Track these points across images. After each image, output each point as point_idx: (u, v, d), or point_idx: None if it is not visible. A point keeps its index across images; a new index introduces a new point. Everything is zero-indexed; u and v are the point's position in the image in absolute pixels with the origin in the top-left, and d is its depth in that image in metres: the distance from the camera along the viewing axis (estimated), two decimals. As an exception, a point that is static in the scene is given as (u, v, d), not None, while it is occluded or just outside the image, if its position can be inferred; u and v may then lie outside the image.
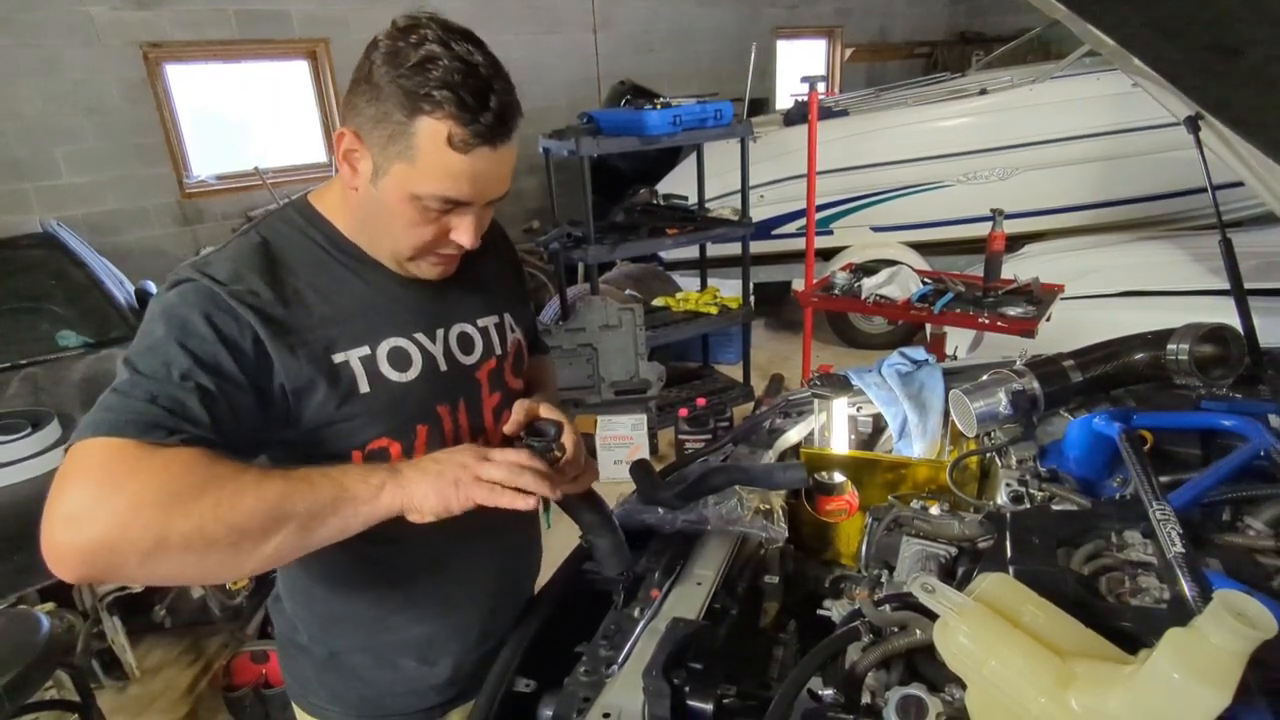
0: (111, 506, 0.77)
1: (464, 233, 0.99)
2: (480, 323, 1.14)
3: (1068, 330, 2.87)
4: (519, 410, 1.06)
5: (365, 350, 1.00)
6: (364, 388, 0.99)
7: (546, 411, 1.08)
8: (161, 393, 0.85)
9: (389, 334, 1.03)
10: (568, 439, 1.05)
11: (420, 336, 1.06)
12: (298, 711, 1.24)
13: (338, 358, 0.98)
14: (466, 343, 1.12)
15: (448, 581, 1.15)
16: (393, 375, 1.02)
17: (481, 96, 0.89)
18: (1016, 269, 3.44)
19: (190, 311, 0.90)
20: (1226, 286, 1.50)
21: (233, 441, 0.91)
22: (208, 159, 5.42)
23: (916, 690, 0.77)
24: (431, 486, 0.89)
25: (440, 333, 1.09)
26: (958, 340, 3.68)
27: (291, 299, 0.96)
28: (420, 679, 1.17)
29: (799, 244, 4.79)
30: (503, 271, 1.24)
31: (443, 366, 1.07)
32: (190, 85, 5.26)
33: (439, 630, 1.17)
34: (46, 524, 0.78)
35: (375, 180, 0.95)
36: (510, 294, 1.23)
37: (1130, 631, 0.76)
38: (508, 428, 1.06)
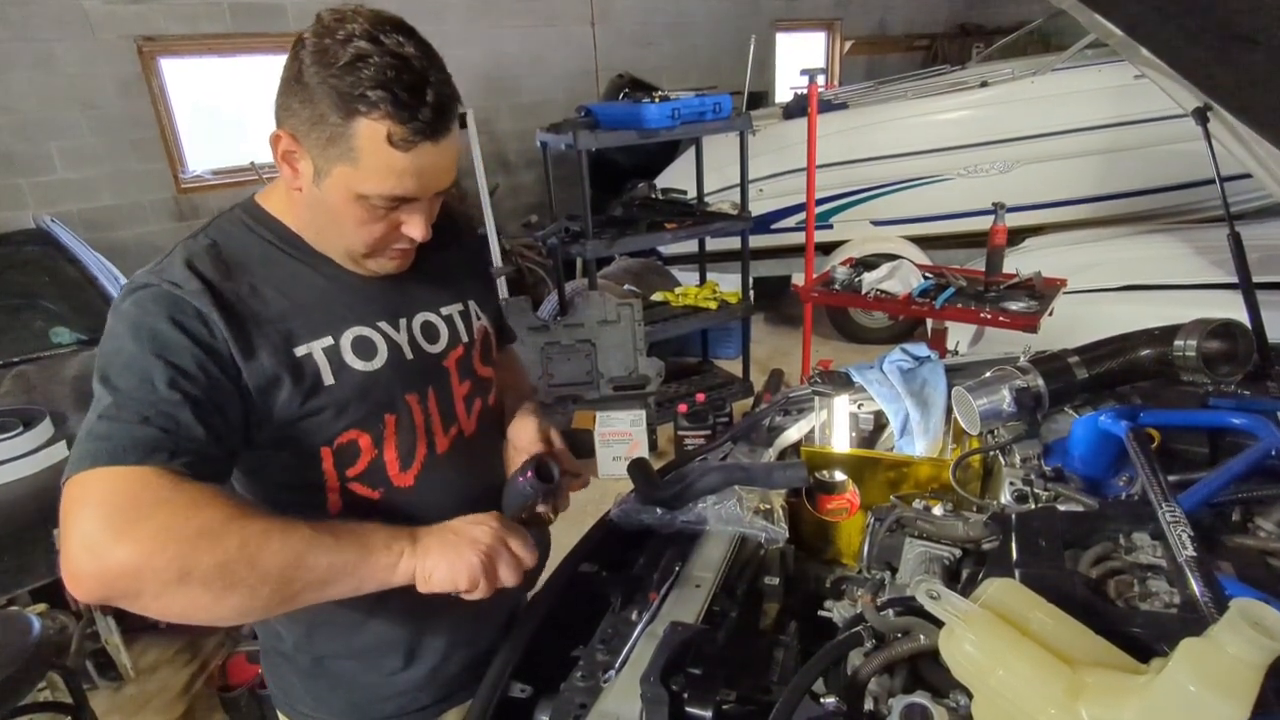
0: (136, 535, 0.77)
1: (414, 227, 0.98)
2: (444, 311, 1.14)
3: (1071, 325, 2.85)
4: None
5: (328, 340, 0.99)
6: (329, 379, 0.98)
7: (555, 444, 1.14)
8: (152, 411, 0.84)
9: (351, 323, 1.02)
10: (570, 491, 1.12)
11: (384, 325, 1.05)
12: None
13: (299, 350, 0.96)
14: (431, 331, 1.11)
15: None
16: (358, 364, 1.01)
17: (417, 91, 0.87)
18: (1018, 263, 3.42)
19: (156, 320, 0.88)
20: (1231, 280, 1.48)
21: (231, 450, 0.91)
22: (203, 154, 5.39)
23: (921, 699, 0.75)
24: (444, 560, 0.91)
25: (403, 322, 1.08)
26: (958, 336, 3.66)
27: (247, 295, 0.95)
28: (407, 680, 1.16)
29: (799, 238, 4.77)
30: (464, 260, 1.22)
31: (409, 355, 1.06)
32: (185, 79, 5.22)
33: (423, 629, 1.15)
34: (64, 551, 0.78)
35: (318, 181, 0.93)
36: (474, 282, 1.22)
37: (1141, 637, 0.74)
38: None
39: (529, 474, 1.05)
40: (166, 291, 0.90)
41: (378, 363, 1.02)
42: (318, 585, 0.85)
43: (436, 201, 1.01)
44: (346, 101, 0.86)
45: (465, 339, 1.15)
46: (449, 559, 0.90)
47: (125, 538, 0.76)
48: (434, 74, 0.89)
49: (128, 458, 0.80)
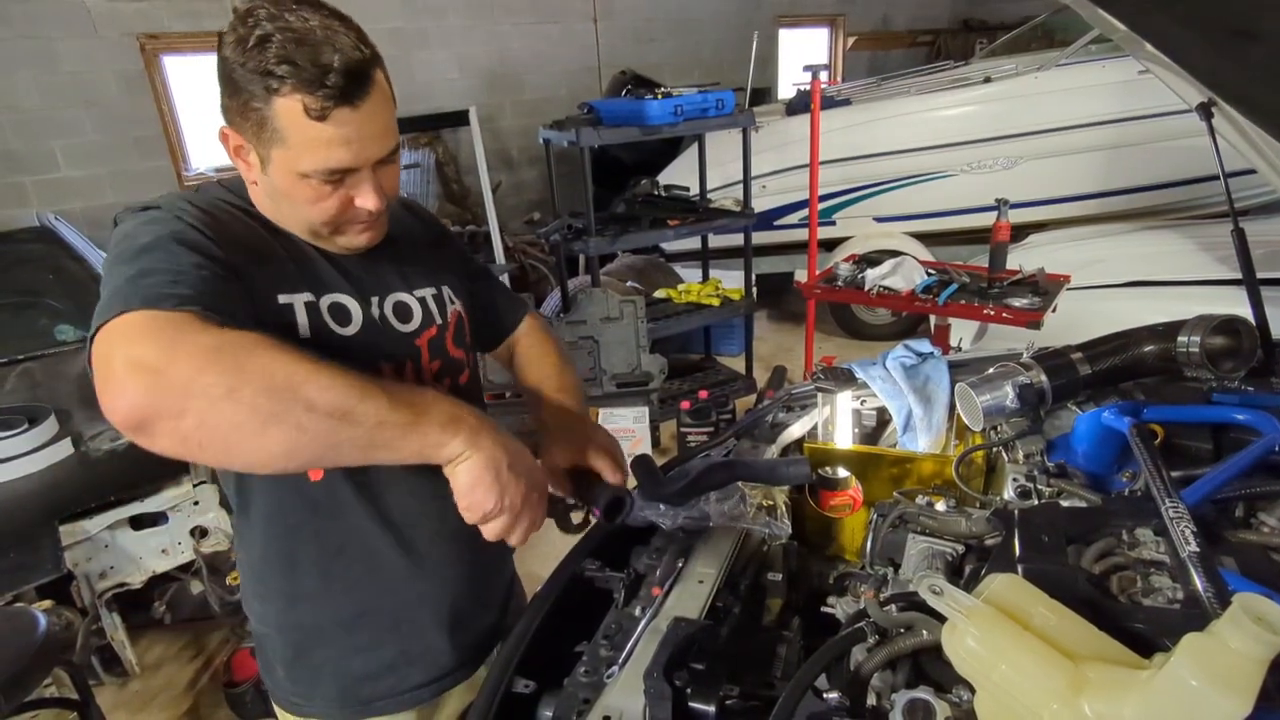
0: (187, 351, 0.74)
1: (366, 197, 0.99)
2: (417, 293, 1.16)
3: (1074, 321, 2.84)
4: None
5: (309, 296, 1.01)
6: (305, 333, 0.99)
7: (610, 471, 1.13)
8: (182, 277, 0.83)
9: (330, 289, 1.04)
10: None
11: (358, 298, 1.07)
12: (280, 713, 1.23)
13: (283, 298, 0.98)
14: (403, 311, 1.13)
15: (412, 551, 1.15)
16: (335, 328, 1.03)
17: (319, 60, 0.88)
18: (1021, 259, 3.41)
19: (166, 223, 0.91)
20: (1235, 276, 1.48)
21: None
22: (206, 151, 5.39)
23: (924, 694, 0.75)
24: (475, 473, 0.87)
25: (375, 300, 1.10)
26: (962, 332, 3.66)
27: (234, 243, 0.96)
28: (394, 656, 1.17)
29: (801, 235, 4.76)
30: (436, 247, 1.25)
31: (381, 329, 1.09)
32: (188, 77, 5.22)
33: (408, 604, 1.16)
34: (105, 379, 0.75)
35: (265, 169, 0.96)
36: (448, 268, 1.24)
37: (1143, 633, 0.74)
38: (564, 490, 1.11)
39: (597, 510, 1.08)
40: (165, 212, 0.93)
41: (353, 329, 1.04)
42: (363, 443, 0.81)
43: (388, 170, 1.01)
44: (260, 84, 0.88)
45: (439, 320, 1.17)
46: (480, 478, 0.87)
47: (176, 353, 0.74)
48: (339, 40, 0.90)
49: (164, 303, 0.78)
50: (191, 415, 0.74)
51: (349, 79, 0.89)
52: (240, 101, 0.91)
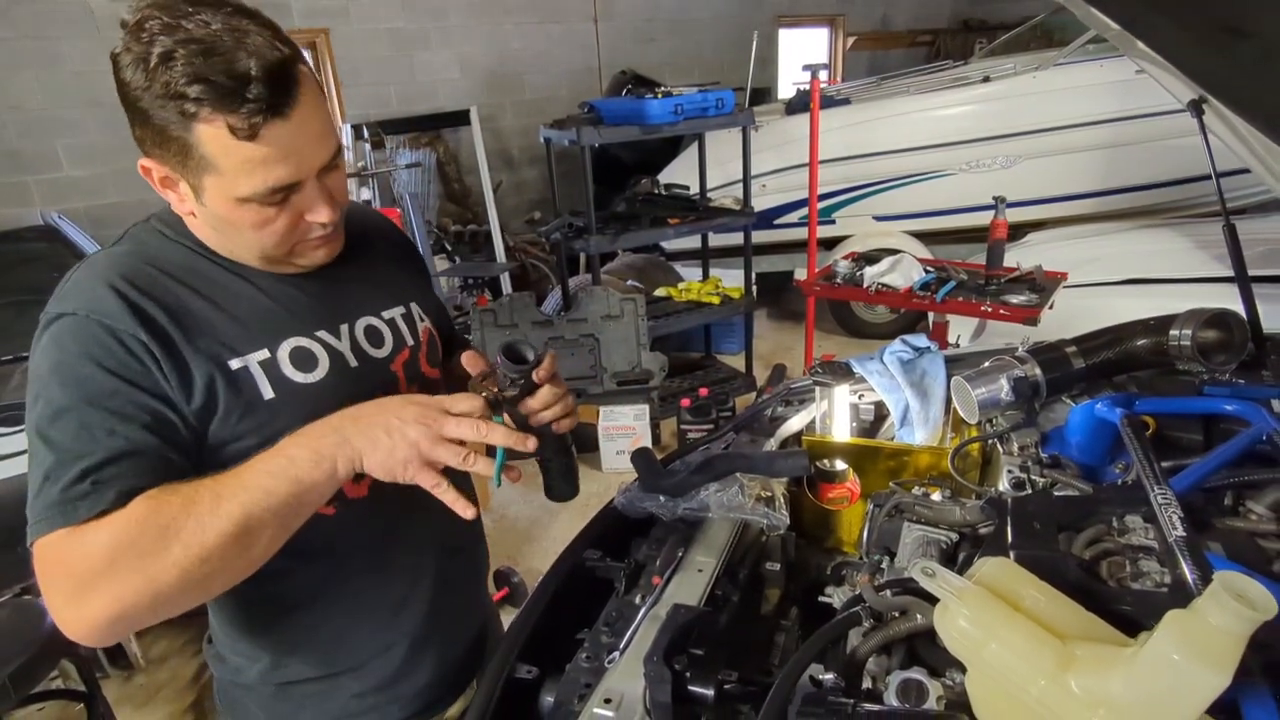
0: (99, 590, 0.79)
1: (317, 211, 0.91)
2: (386, 315, 1.09)
3: (1071, 318, 2.85)
4: (470, 360, 0.99)
5: (264, 354, 0.93)
6: (268, 393, 0.93)
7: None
8: (92, 465, 0.81)
9: (289, 334, 0.96)
10: (545, 365, 0.95)
11: (324, 334, 1.00)
12: None
13: (235, 364, 0.91)
14: (375, 336, 1.06)
15: (390, 587, 1.12)
16: (298, 377, 0.95)
17: (234, 70, 0.78)
18: (1019, 257, 3.43)
19: (79, 361, 0.84)
20: (1230, 274, 1.49)
21: (186, 469, 0.88)
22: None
23: (917, 674, 0.77)
24: (383, 456, 0.85)
25: (345, 328, 1.03)
26: (960, 329, 3.68)
27: (175, 308, 0.89)
28: (376, 695, 1.14)
29: (801, 233, 4.78)
30: (400, 262, 1.19)
31: (353, 362, 1.01)
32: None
33: (391, 644, 1.14)
34: (51, 611, 0.81)
35: (200, 198, 0.87)
36: (412, 284, 1.18)
37: (1131, 615, 0.75)
38: (470, 369, 0.98)
39: (499, 357, 0.93)
40: (83, 321, 0.85)
41: (319, 374, 0.97)
42: (280, 529, 0.84)
43: (334, 176, 0.93)
44: (173, 110, 0.79)
45: (411, 341, 1.10)
46: (383, 454, 0.85)
47: (91, 596, 0.79)
48: (250, 41, 0.80)
49: (75, 516, 0.80)
50: (145, 621, 0.82)
51: (272, 85, 0.80)
52: (155, 130, 0.81)
